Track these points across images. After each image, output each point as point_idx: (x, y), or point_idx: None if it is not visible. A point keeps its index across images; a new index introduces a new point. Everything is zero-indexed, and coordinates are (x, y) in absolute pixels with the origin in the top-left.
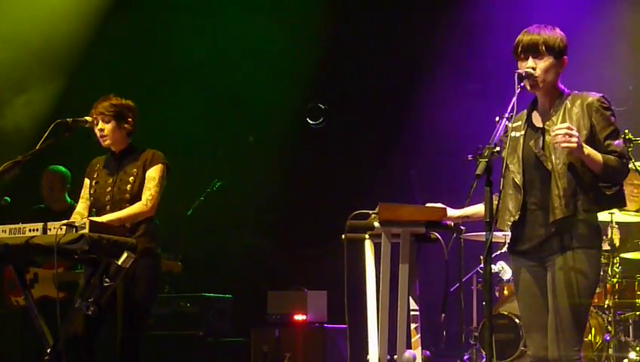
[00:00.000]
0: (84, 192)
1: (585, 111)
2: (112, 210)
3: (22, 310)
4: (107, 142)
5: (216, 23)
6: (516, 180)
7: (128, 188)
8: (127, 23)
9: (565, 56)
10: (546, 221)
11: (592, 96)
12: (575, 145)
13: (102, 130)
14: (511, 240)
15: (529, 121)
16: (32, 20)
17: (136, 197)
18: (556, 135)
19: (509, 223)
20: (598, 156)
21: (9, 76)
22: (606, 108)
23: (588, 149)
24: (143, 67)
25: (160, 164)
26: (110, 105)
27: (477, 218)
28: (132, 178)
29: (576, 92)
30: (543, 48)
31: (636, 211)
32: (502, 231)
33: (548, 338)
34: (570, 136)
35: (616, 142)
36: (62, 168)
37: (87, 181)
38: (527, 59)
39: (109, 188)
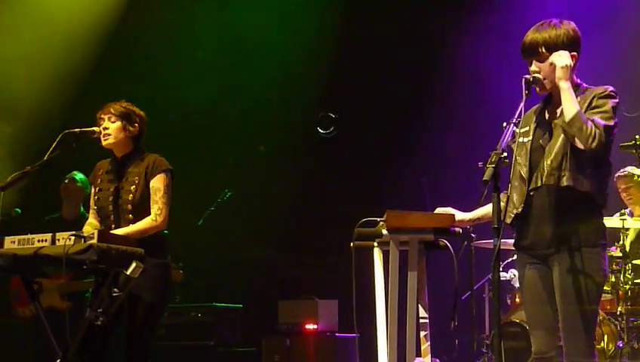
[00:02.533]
0: (92, 202)
1: (590, 104)
2: (116, 220)
3: (27, 320)
4: (108, 140)
5: (226, 30)
6: (522, 172)
7: (130, 198)
8: (136, 27)
9: (574, 52)
10: (550, 219)
11: (599, 89)
12: (562, 63)
13: (106, 128)
14: (516, 235)
15: (541, 116)
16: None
17: (138, 207)
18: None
19: (512, 215)
20: (576, 103)
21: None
22: (608, 96)
23: (570, 89)
24: (153, 74)
25: (163, 173)
26: (120, 106)
27: (489, 219)
28: (133, 187)
29: (592, 87)
30: (543, 49)
31: None
32: (505, 224)
33: (564, 349)
34: (560, 55)
35: (601, 121)
36: (83, 177)
37: (92, 189)
38: (530, 63)
39: (111, 198)
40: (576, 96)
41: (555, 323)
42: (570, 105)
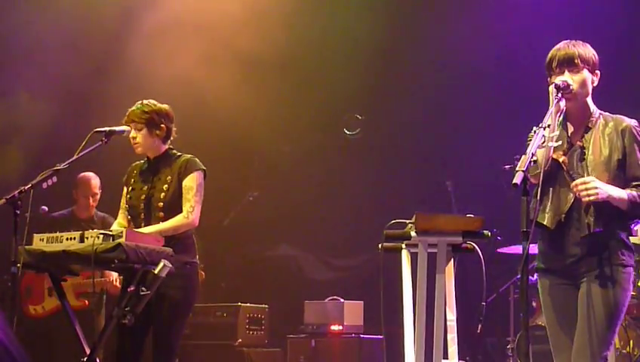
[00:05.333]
0: (123, 202)
1: (619, 135)
2: (146, 218)
3: (39, 319)
4: (139, 150)
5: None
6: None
7: (162, 197)
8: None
9: (598, 71)
10: (578, 239)
11: (627, 122)
12: (598, 195)
13: (134, 138)
14: (543, 257)
15: (564, 136)
16: None
17: (169, 205)
18: (578, 191)
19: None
20: (622, 195)
21: None
22: (639, 135)
23: (612, 191)
24: (181, 72)
25: (195, 172)
26: (142, 112)
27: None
28: (166, 186)
29: (607, 113)
30: (579, 61)
31: None
32: (543, 225)
33: (573, 350)
34: (589, 189)
35: None
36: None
37: (124, 189)
38: (562, 72)
39: (143, 196)
40: (595, 120)
41: None
42: (621, 203)
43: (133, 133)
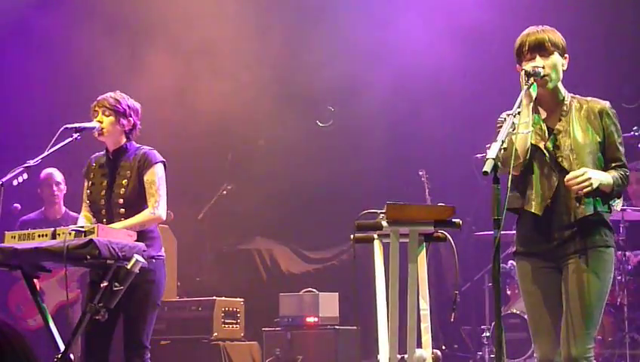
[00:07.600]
0: (85, 196)
1: (597, 117)
2: (108, 214)
3: (40, 329)
4: (102, 136)
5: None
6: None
7: (122, 193)
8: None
9: (567, 55)
10: (564, 222)
11: (602, 103)
12: (592, 186)
13: (100, 121)
14: (524, 241)
15: (539, 122)
16: None
17: (129, 201)
18: (574, 185)
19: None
20: (609, 180)
21: None
22: (615, 116)
23: (602, 178)
24: (155, 68)
25: (155, 165)
26: (114, 100)
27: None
28: (125, 181)
29: (578, 96)
30: (549, 45)
31: None
32: (532, 212)
33: (561, 336)
34: (582, 181)
35: (622, 150)
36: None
37: (85, 183)
38: (533, 58)
39: (104, 192)
40: (569, 103)
41: (559, 328)
42: (607, 188)
43: (99, 117)
